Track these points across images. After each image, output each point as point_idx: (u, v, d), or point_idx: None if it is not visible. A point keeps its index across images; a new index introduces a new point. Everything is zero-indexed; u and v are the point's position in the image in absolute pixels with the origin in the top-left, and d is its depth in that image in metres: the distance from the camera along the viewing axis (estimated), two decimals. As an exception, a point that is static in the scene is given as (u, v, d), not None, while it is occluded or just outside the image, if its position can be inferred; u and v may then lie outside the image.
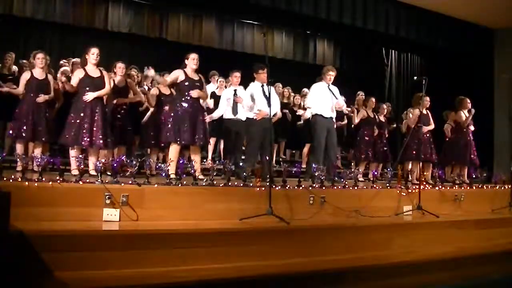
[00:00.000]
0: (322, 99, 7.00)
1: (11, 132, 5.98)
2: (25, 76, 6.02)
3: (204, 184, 5.21)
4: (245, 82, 7.62)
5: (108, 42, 10.32)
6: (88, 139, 5.46)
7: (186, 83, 5.86)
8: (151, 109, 7.04)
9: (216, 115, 7.25)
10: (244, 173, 5.66)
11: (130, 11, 10.84)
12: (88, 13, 10.36)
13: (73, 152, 5.52)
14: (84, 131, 5.46)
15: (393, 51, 13.09)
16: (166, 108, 6.60)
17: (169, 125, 5.80)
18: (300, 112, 8.77)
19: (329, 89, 7.06)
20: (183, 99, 5.85)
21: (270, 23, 11.94)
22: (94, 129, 5.52)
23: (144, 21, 10.96)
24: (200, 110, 6.01)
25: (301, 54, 13.01)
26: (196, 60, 5.93)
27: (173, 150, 5.79)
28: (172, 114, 5.87)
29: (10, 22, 9.71)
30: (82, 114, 5.50)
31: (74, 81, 5.63)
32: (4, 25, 9.62)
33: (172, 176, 5.38)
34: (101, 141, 5.55)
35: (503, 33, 11.57)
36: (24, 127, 5.85)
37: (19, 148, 5.88)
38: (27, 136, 5.88)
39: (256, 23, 12.17)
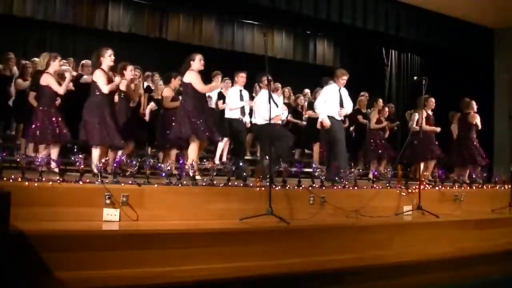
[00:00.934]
0: (333, 102, 7.02)
1: (33, 134, 5.94)
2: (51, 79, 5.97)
3: (204, 184, 5.21)
4: (246, 82, 7.66)
5: (108, 42, 10.30)
6: (116, 139, 5.58)
7: None
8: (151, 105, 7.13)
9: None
10: (244, 173, 5.66)
11: (130, 11, 10.85)
12: (88, 13, 10.37)
13: (96, 152, 5.53)
14: (111, 131, 5.56)
15: (393, 51, 13.10)
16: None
17: (189, 123, 5.86)
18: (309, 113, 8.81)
19: (339, 92, 7.09)
20: (198, 98, 5.98)
21: (270, 23, 11.95)
22: (116, 129, 5.64)
23: (144, 21, 10.97)
24: (208, 108, 6.18)
25: (301, 54, 13.02)
26: (203, 61, 6.05)
27: (194, 148, 5.88)
28: (188, 113, 5.90)
29: (10, 22, 9.71)
30: (106, 114, 5.58)
31: (104, 84, 5.64)
32: (4, 25, 9.62)
33: (198, 177, 5.49)
34: (121, 141, 5.69)
35: (503, 33, 11.58)
36: (46, 130, 5.82)
37: (55, 151, 5.83)
38: (49, 139, 5.84)
39: (256, 23, 12.17)
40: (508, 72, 11.28)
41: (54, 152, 5.81)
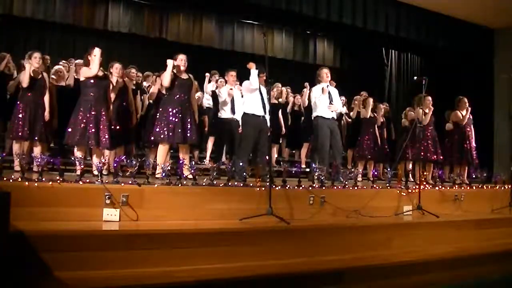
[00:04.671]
0: (322, 101, 7.01)
1: (9, 132, 5.96)
2: (25, 74, 5.97)
3: (204, 184, 5.21)
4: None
5: (108, 42, 10.33)
6: (94, 139, 5.47)
7: (176, 82, 5.87)
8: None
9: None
10: (244, 173, 5.66)
11: (130, 11, 10.87)
12: (88, 13, 10.39)
13: (78, 153, 5.51)
14: (91, 131, 5.47)
15: (393, 51, 13.09)
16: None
17: (159, 125, 5.79)
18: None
19: (328, 90, 7.07)
20: (173, 98, 5.86)
21: (270, 23, 11.96)
22: (100, 129, 5.54)
23: (144, 21, 10.99)
24: (190, 110, 5.96)
25: (301, 54, 13.03)
26: (184, 61, 5.95)
27: (161, 150, 5.81)
28: (164, 114, 5.83)
29: (10, 22, 9.71)
30: (88, 114, 5.50)
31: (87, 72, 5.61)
32: (4, 25, 9.63)
33: (158, 175, 5.40)
34: (107, 141, 5.57)
35: (503, 33, 11.58)
36: (21, 127, 5.83)
37: (16, 147, 5.88)
38: (24, 135, 5.86)
39: (256, 23, 12.19)
40: (508, 72, 11.27)
41: (36, 150, 5.85)
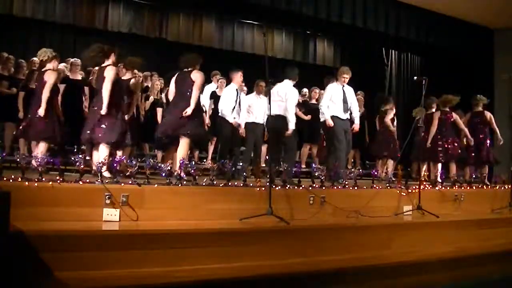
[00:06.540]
0: (336, 101, 7.00)
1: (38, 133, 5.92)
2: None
3: (204, 184, 5.21)
4: (245, 82, 7.63)
5: (108, 42, 10.29)
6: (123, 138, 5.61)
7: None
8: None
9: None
10: (244, 173, 5.66)
11: (130, 11, 10.87)
12: (88, 13, 10.38)
13: (105, 151, 5.48)
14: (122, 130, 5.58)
15: (393, 51, 13.10)
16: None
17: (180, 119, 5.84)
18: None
19: (343, 91, 7.07)
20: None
21: (270, 23, 11.95)
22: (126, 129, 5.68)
23: (144, 21, 10.99)
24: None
25: (301, 54, 13.03)
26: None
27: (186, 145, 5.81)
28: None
29: (10, 22, 9.71)
30: (117, 114, 5.59)
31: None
32: (4, 25, 9.63)
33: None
34: (130, 140, 5.77)
35: (503, 33, 11.59)
36: (53, 129, 5.85)
37: (44, 148, 5.81)
38: (55, 137, 5.89)
39: (256, 23, 12.18)
40: (508, 72, 11.28)
41: (40, 149, 5.81)
